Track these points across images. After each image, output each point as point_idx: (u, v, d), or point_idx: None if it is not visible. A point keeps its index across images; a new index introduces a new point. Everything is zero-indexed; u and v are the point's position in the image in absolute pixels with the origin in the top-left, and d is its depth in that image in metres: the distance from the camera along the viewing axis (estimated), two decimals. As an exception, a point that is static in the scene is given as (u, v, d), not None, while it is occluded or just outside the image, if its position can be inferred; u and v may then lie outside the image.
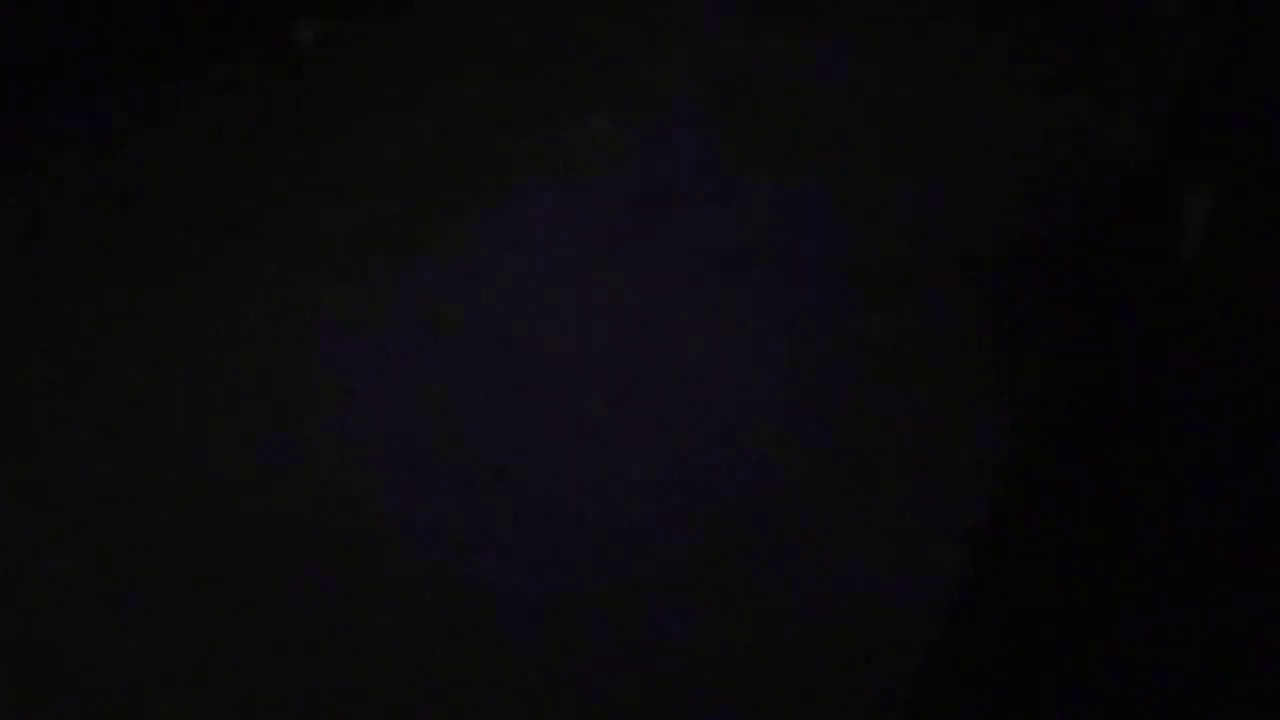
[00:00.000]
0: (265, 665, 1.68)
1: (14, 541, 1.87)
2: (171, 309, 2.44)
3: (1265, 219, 2.62)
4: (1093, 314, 2.47)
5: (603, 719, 1.62)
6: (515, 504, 1.97)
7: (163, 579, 1.82)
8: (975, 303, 2.51)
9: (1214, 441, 2.08)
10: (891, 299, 2.52)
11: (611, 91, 3.37)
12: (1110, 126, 3.09)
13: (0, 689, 1.62)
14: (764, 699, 1.66)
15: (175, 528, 1.91)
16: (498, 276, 2.57)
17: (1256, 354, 2.30)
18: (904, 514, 1.98)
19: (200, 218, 2.76)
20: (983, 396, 2.25)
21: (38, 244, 2.66)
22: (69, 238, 2.68)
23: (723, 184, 2.93)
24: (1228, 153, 2.74)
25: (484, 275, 2.57)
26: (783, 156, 3.05)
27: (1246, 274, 2.50)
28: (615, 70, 3.49)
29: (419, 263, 2.61)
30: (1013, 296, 2.53)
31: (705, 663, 1.71)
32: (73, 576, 1.82)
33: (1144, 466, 2.05)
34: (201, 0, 3.87)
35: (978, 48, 3.58)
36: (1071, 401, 2.23)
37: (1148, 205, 2.77)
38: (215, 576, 1.83)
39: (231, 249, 2.65)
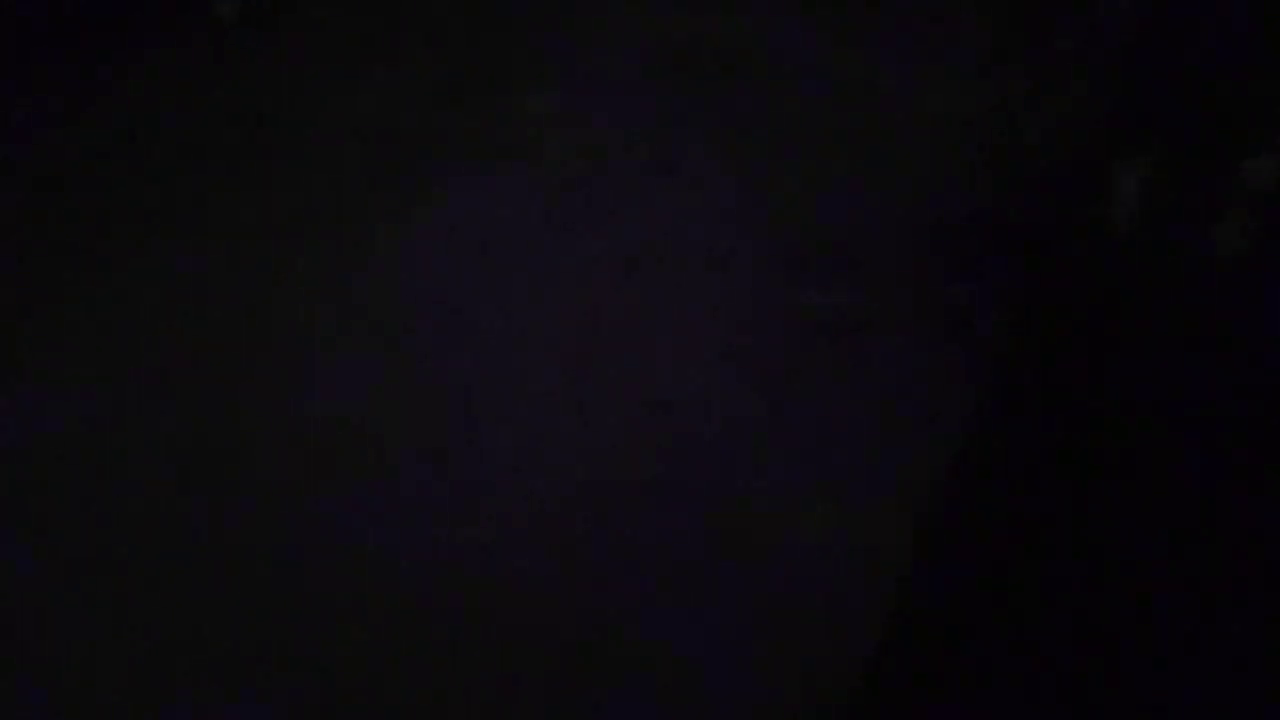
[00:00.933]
0: (244, 637, 1.65)
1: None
2: (97, 300, 2.36)
3: (1196, 190, 2.69)
4: (1032, 288, 2.52)
5: (550, 684, 1.63)
6: (467, 479, 1.96)
7: (120, 566, 1.77)
8: (918, 278, 2.55)
9: (1164, 418, 2.14)
10: (837, 275, 2.54)
11: (555, 66, 3.32)
12: (1050, 101, 3.14)
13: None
14: (709, 671, 1.68)
15: (125, 520, 1.86)
16: (444, 259, 2.53)
17: (1186, 324, 2.37)
18: (852, 487, 2.01)
19: (126, 206, 2.67)
20: (927, 370, 2.28)
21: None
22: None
23: (668, 160, 2.91)
24: (1160, 126, 2.81)
25: (429, 258, 2.53)
26: (728, 133, 3.05)
27: (1178, 245, 2.57)
28: (559, 44, 3.44)
29: (361, 248, 2.56)
30: (955, 271, 2.57)
31: (651, 632, 1.72)
32: (20, 568, 1.77)
33: (1091, 438, 2.10)
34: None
35: (920, 23, 3.60)
36: (1017, 376, 2.27)
37: (1084, 178, 2.83)
38: (176, 565, 1.78)
39: (161, 238, 2.56)
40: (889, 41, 3.47)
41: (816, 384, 2.24)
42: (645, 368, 2.26)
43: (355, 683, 1.64)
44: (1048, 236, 2.65)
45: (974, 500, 1.98)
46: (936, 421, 2.16)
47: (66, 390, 2.13)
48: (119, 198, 2.68)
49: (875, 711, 1.63)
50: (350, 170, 2.82)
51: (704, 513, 1.94)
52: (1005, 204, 2.78)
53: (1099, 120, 2.82)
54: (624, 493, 1.98)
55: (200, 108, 3.06)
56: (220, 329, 2.30)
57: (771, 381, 2.24)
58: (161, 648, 1.67)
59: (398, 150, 2.91)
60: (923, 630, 1.76)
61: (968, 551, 1.89)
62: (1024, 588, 1.82)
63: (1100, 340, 2.34)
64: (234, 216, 2.63)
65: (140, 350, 2.24)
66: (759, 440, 2.10)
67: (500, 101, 3.14)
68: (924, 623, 1.77)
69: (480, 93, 3.17)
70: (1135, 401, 2.18)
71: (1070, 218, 2.71)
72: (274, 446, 2.03)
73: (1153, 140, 2.71)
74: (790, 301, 2.45)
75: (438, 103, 3.12)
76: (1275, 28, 2.51)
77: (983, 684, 1.68)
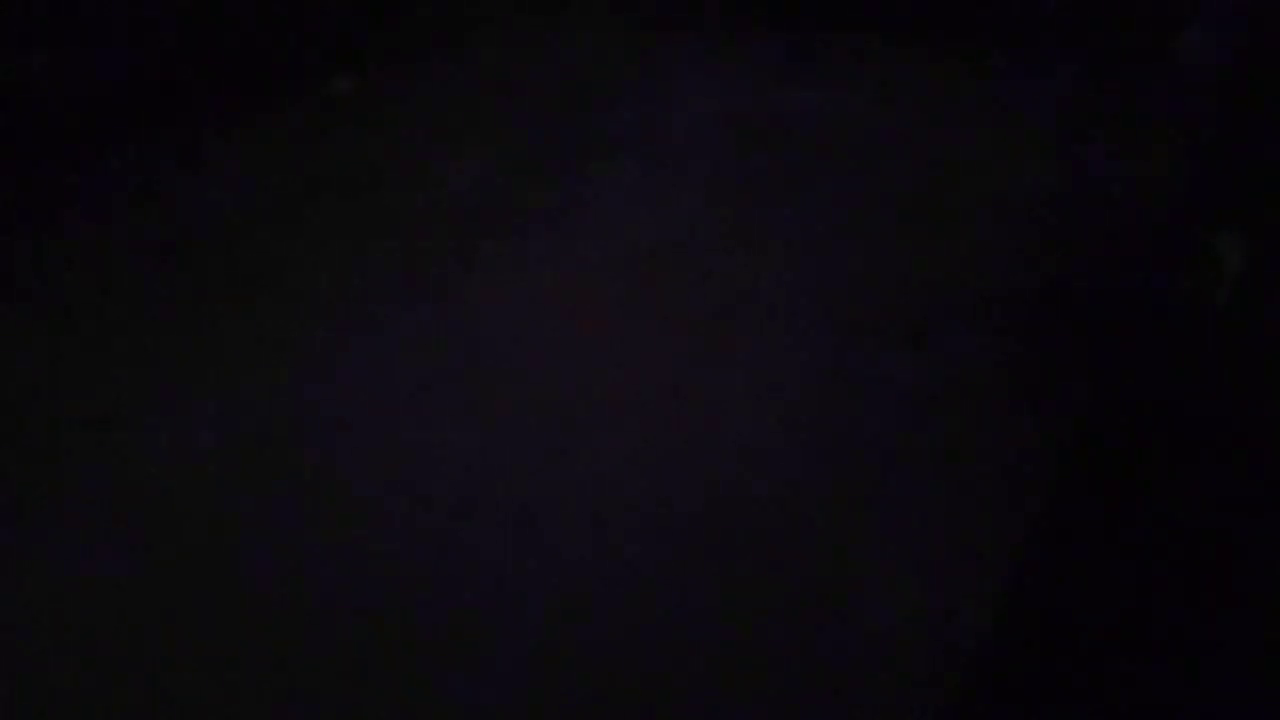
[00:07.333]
0: (284, 708, 1.68)
1: (32, 580, 1.91)
2: (202, 354, 2.49)
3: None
4: (1122, 361, 2.44)
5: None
6: (524, 540, 1.97)
7: (189, 614, 1.84)
8: (1002, 349, 2.49)
9: (1247, 491, 2.04)
10: (916, 345, 2.51)
11: (638, 139, 3.40)
12: (1139, 170, 3.07)
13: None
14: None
15: (200, 567, 1.93)
16: (522, 326, 2.59)
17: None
18: (927, 562, 1.95)
19: (235, 265, 2.82)
20: (1007, 444, 2.22)
21: (73, 287, 2.73)
22: (106, 280, 2.75)
23: (742, 230, 2.94)
24: (1262, 196, 2.71)
25: (508, 326, 2.60)
26: (806, 204, 3.06)
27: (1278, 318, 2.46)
28: (643, 118, 3.53)
29: (447, 311, 2.64)
30: (1039, 343, 2.51)
31: (719, 714, 1.69)
32: (95, 613, 1.85)
33: (1174, 515, 2.01)
34: (244, 52, 3.99)
35: (1003, 94, 3.58)
36: (1100, 449, 2.20)
37: (1179, 250, 2.74)
38: (238, 630, 1.84)
39: (263, 297, 2.70)
40: (969, 114, 3.45)
41: (891, 455, 2.20)
42: (717, 438, 2.26)
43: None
44: (1132, 310, 2.57)
45: (1053, 576, 1.91)
46: (1013, 496, 2.09)
47: (191, 426, 2.24)
48: (226, 254, 2.84)
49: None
50: (438, 238, 2.93)
51: (774, 582, 1.92)
52: (1088, 275, 2.71)
53: (1185, 188, 2.74)
54: (690, 559, 1.97)
55: (308, 172, 3.23)
56: (306, 385, 2.39)
57: (845, 451, 2.21)
58: (183, 676, 1.72)
59: (484, 218, 3.01)
60: (1002, 704, 1.69)
61: (1048, 627, 1.82)
62: (1106, 666, 1.74)
63: (1195, 415, 2.24)
64: (329, 277, 2.75)
65: (236, 398, 2.34)
66: (832, 512, 2.07)
67: (581, 172, 3.23)
68: (1003, 697, 1.70)
69: (567, 166, 3.27)
70: (1229, 478, 2.07)
71: (1160, 290, 2.62)
72: (346, 503, 2.09)
73: (1249, 209, 2.62)
74: (865, 371, 2.43)
75: (523, 173, 3.23)
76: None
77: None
